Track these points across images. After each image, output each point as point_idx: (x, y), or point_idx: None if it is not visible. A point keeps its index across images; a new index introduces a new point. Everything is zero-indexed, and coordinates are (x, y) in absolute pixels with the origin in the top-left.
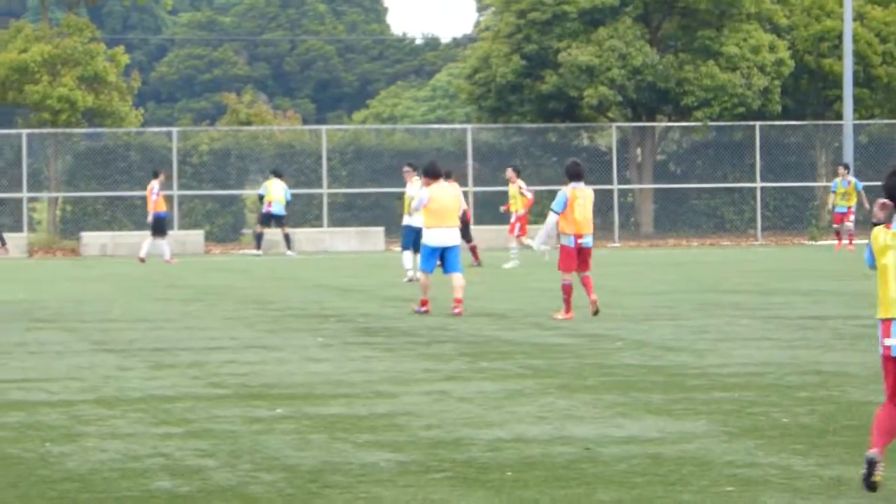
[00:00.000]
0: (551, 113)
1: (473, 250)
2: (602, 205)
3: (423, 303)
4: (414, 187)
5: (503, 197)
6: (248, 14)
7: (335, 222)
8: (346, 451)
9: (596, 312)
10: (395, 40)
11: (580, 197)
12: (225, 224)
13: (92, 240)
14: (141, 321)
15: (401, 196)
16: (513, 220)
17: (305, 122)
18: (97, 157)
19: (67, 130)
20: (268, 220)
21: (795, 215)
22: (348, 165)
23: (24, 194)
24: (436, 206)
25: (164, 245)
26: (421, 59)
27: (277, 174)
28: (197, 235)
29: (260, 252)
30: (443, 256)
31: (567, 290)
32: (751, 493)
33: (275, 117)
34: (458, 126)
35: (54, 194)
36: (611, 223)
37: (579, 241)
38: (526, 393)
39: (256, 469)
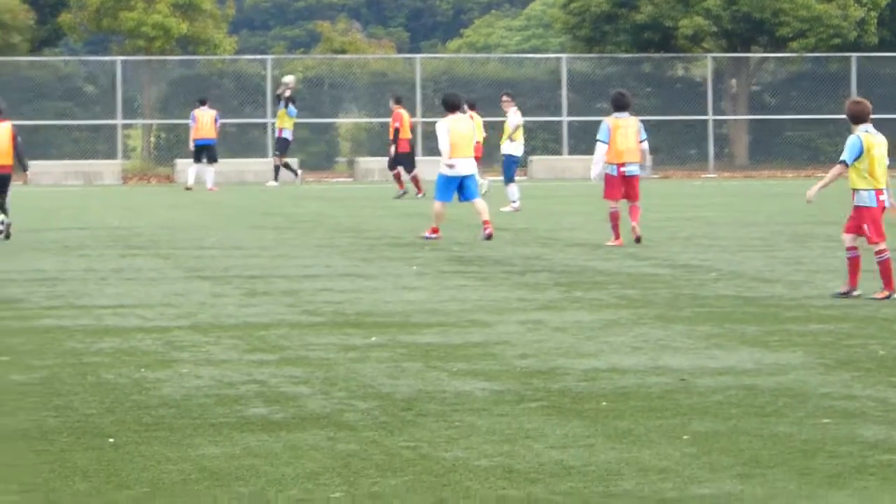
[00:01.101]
0: (646, 43)
1: (415, 180)
2: (696, 136)
3: (435, 230)
4: (512, 116)
5: (596, 126)
6: None
7: (429, 151)
8: (441, 380)
9: (637, 240)
10: None
11: (622, 126)
12: (319, 152)
13: (186, 167)
14: (235, 248)
15: (495, 126)
16: None
17: (399, 50)
18: (191, 84)
19: (162, 58)
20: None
21: (891, 147)
22: (442, 94)
23: (119, 121)
24: (453, 137)
25: (207, 171)
26: None
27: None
28: (291, 163)
29: (277, 183)
30: (461, 185)
31: (613, 217)
32: (847, 425)
33: (369, 45)
34: (552, 55)
35: (148, 121)
36: (705, 154)
37: (622, 169)
38: (621, 323)
39: (351, 397)
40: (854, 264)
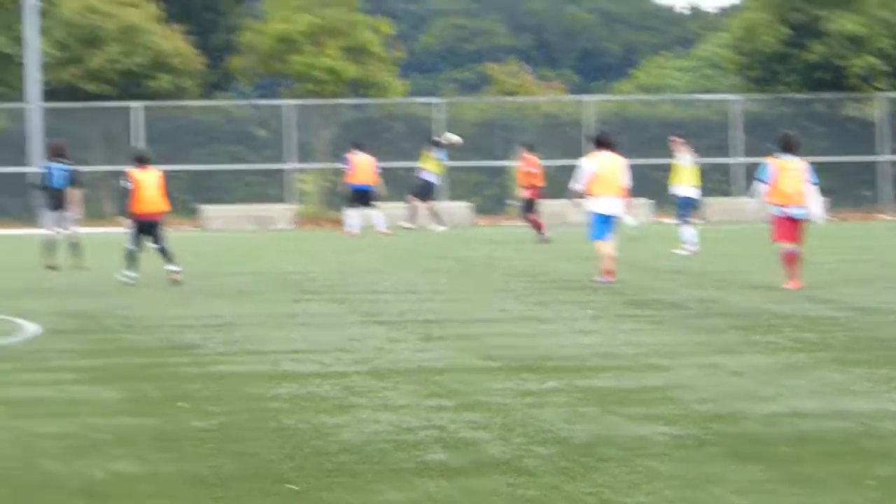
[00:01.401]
0: (818, 83)
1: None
2: (870, 176)
3: (607, 273)
4: (683, 157)
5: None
6: None
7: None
8: (619, 424)
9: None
10: (658, 10)
11: (789, 168)
12: (491, 196)
13: (377, 210)
14: (409, 293)
15: (666, 167)
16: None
17: (569, 92)
18: (362, 127)
19: (333, 101)
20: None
21: None
22: (613, 136)
23: (291, 165)
24: (600, 175)
25: (374, 216)
26: (685, 29)
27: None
28: (464, 207)
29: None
30: (606, 222)
31: (787, 259)
32: None
33: (539, 87)
34: (723, 96)
35: (320, 165)
36: (880, 195)
37: (786, 210)
38: (798, 366)
39: (530, 442)
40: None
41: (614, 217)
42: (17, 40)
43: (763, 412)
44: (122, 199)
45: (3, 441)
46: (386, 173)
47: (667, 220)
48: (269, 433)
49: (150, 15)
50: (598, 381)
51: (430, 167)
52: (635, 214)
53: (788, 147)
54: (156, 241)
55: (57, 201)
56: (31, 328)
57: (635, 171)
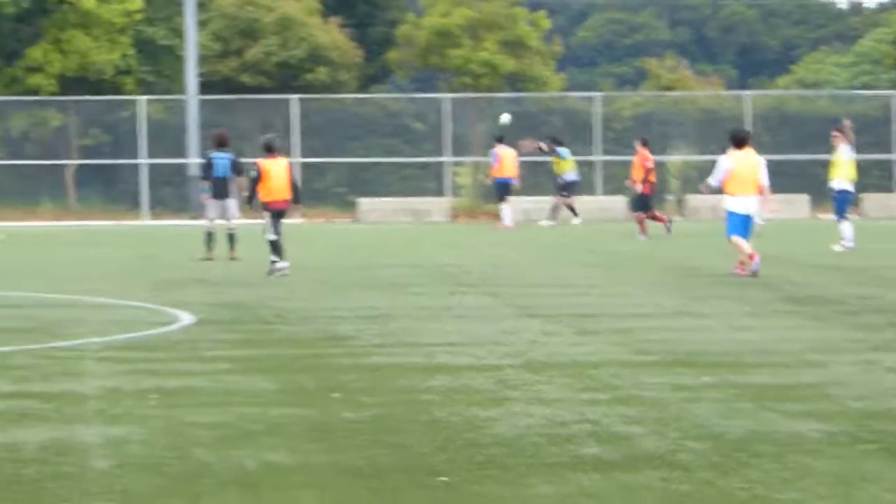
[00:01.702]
0: None
1: (647, 220)
2: None
3: (743, 264)
4: (842, 151)
5: None
6: None
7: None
8: (774, 421)
9: None
10: (818, 5)
11: None
12: None
13: (512, 204)
14: (564, 286)
15: (825, 163)
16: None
17: (727, 87)
18: (520, 121)
19: (489, 95)
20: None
21: None
22: (772, 131)
23: (448, 158)
24: (738, 173)
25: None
26: (845, 24)
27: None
28: (619, 201)
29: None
30: (745, 222)
31: None
32: None
33: (697, 82)
34: (882, 92)
35: (477, 158)
36: None
37: None
38: None
39: (684, 437)
40: None
41: (751, 216)
42: (177, 33)
43: None
44: (251, 188)
45: (157, 430)
46: (540, 167)
47: (823, 216)
48: (421, 425)
49: (308, 8)
50: (753, 377)
51: (563, 168)
52: (775, 210)
53: None
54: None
55: (221, 190)
56: (185, 318)
57: (794, 166)
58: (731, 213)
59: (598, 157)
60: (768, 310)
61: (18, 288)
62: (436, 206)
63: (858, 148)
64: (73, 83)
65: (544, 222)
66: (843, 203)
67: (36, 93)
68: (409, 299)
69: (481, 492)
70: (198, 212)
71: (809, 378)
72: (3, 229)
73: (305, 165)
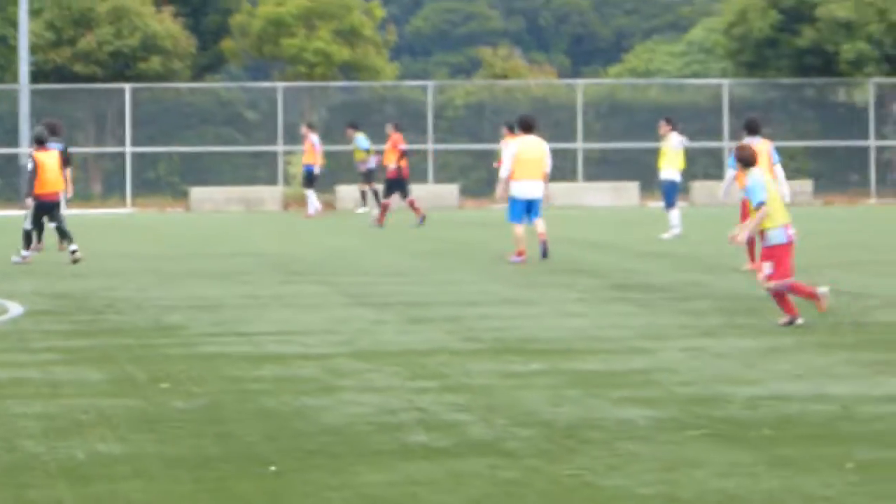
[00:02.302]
0: (808, 68)
1: (412, 204)
2: (859, 162)
3: (520, 252)
4: (672, 140)
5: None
6: None
7: (590, 177)
8: (602, 407)
9: None
10: None
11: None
12: (479, 179)
13: (347, 193)
14: (394, 275)
15: (655, 151)
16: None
17: (560, 76)
18: (353, 110)
19: (323, 84)
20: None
21: None
22: (603, 120)
23: (281, 147)
24: (524, 158)
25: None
26: (676, 14)
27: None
28: (451, 189)
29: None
30: (529, 208)
31: (750, 242)
32: None
33: (530, 71)
34: (714, 81)
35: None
36: (867, 180)
37: None
38: (782, 350)
39: (512, 424)
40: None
41: (536, 200)
42: (10, 22)
43: (746, 395)
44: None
45: None
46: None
47: (652, 204)
48: (250, 415)
49: None
50: (582, 364)
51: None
52: (629, 197)
53: (753, 129)
54: (55, 220)
55: None
56: (14, 309)
57: (624, 154)
58: (512, 200)
59: (430, 146)
60: (598, 297)
61: None
62: (268, 195)
63: (688, 136)
64: None
65: (360, 210)
66: (671, 192)
67: None
68: (241, 288)
69: (309, 480)
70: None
71: (638, 364)
72: None
73: (137, 155)
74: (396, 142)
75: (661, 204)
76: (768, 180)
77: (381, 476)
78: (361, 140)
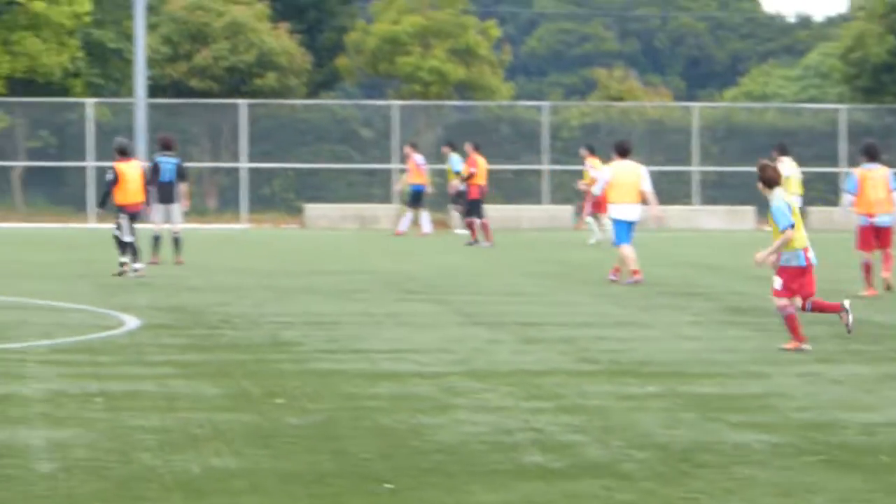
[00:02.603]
0: None
1: (484, 227)
2: None
3: (635, 272)
4: (784, 167)
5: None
6: None
7: (705, 200)
8: (718, 431)
9: (888, 289)
10: (766, 18)
11: (871, 178)
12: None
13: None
14: (508, 295)
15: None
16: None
17: (675, 98)
18: (467, 129)
19: (438, 102)
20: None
21: None
22: (719, 143)
23: (395, 165)
24: (620, 182)
25: (422, 216)
26: (793, 38)
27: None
28: (566, 210)
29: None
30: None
31: (866, 268)
32: None
33: (645, 93)
34: (830, 106)
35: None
36: None
37: (872, 220)
38: None
39: (628, 446)
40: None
41: (633, 223)
42: (126, 36)
43: (862, 421)
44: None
45: (102, 433)
46: (490, 175)
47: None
48: (365, 432)
49: (258, 13)
50: (697, 387)
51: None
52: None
53: (872, 155)
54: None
55: (166, 195)
56: (131, 322)
57: (739, 178)
58: (615, 223)
59: (545, 167)
60: (712, 320)
61: None
62: (383, 213)
63: (804, 161)
64: (21, 85)
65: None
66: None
67: None
68: (356, 306)
69: (425, 498)
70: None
71: (754, 389)
72: None
73: (253, 171)
74: (472, 162)
75: None
76: (792, 202)
77: (496, 496)
78: (455, 161)
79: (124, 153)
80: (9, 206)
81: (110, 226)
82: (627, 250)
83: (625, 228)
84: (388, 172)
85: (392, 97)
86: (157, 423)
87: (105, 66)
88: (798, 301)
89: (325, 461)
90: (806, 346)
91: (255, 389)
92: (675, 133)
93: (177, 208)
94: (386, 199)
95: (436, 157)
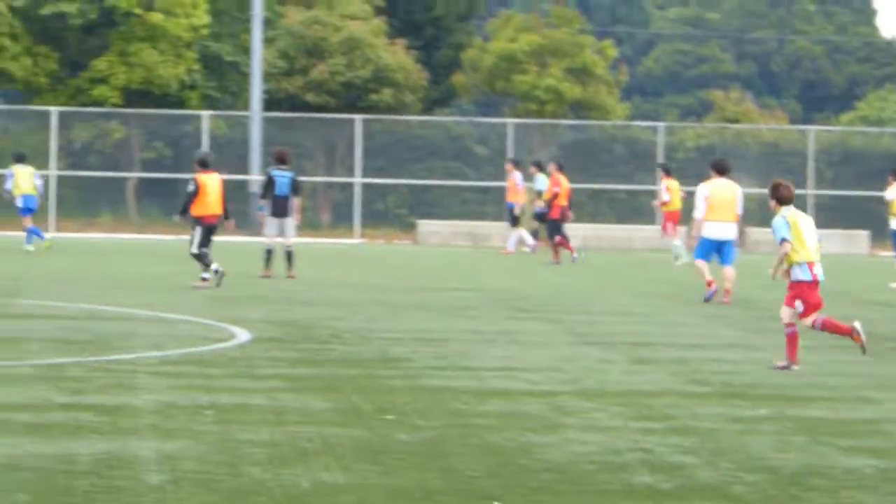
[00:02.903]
0: None
1: (558, 245)
2: None
3: (709, 284)
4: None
5: None
6: (737, 11)
7: (820, 224)
8: (829, 455)
9: None
10: (884, 43)
11: None
12: None
13: (575, 231)
14: (619, 315)
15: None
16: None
17: (791, 121)
18: (582, 148)
19: (553, 121)
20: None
21: None
22: (834, 167)
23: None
24: (714, 201)
25: (521, 234)
26: None
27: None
28: (679, 231)
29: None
30: (720, 249)
31: None
32: None
33: (761, 116)
34: None
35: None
36: None
37: None
38: None
39: (738, 469)
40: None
41: (727, 242)
42: (243, 49)
43: None
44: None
45: (211, 446)
46: (604, 195)
47: (884, 254)
48: (474, 449)
49: (375, 29)
50: (808, 411)
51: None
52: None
53: None
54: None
55: (280, 208)
56: (241, 335)
57: (854, 202)
58: (703, 239)
59: (659, 187)
60: (823, 344)
61: (74, 300)
62: (495, 231)
63: None
64: (137, 96)
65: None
66: None
67: (100, 104)
68: (466, 323)
69: None
70: (257, 229)
71: (865, 414)
72: (50, 238)
73: (367, 186)
74: (556, 182)
75: (891, 254)
76: (798, 220)
77: None
78: (541, 181)
79: (205, 165)
80: (123, 216)
81: (223, 238)
82: (703, 263)
83: (712, 247)
84: (501, 190)
85: (507, 115)
86: (266, 437)
87: (221, 78)
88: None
89: (433, 478)
90: (795, 368)
91: (365, 405)
92: (791, 156)
93: (290, 222)
94: (499, 216)
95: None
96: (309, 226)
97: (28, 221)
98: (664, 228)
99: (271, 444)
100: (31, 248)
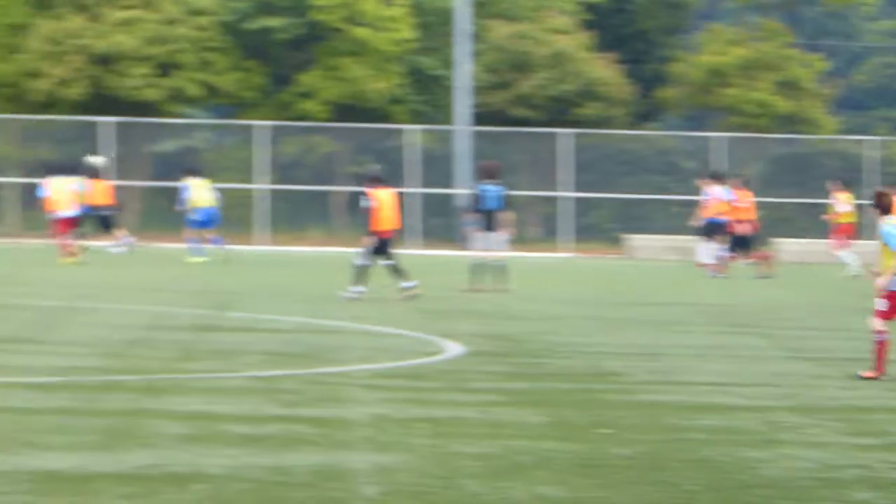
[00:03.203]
0: None
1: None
2: None
3: None
4: None
5: None
6: None
7: None
8: None
9: None
10: None
11: None
12: None
13: (785, 246)
14: (836, 330)
15: None
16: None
17: None
18: (790, 162)
19: (761, 135)
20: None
21: None
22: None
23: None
24: None
25: (712, 249)
26: None
27: None
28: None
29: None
30: None
31: None
32: None
33: None
34: None
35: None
36: None
37: None
38: None
39: None
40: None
41: None
42: (447, 63)
43: None
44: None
45: (426, 458)
46: (812, 210)
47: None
48: (690, 464)
49: (581, 42)
50: None
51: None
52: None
53: None
54: (389, 258)
55: (489, 223)
56: (453, 348)
57: None
58: None
59: (867, 202)
60: None
61: (286, 312)
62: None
63: None
64: (343, 110)
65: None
66: None
67: (306, 119)
68: (678, 338)
69: None
70: (464, 242)
71: None
72: (229, 249)
73: (576, 200)
74: (737, 196)
75: None
76: None
77: None
78: (721, 192)
79: (378, 181)
80: (330, 230)
81: (431, 252)
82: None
83: None
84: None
85: (714, 129)
86: (481, 450)
87: (428, 92)
88: None
89: (650, 492)
90: (884, 378)
91: (580, 419)
92: None
93: (499, 236)
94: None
95: (761, 190)
96: (518, 240)
97: (205, 233)
98: (837, 240)
99: (487, 458)
100: (200, 259)
